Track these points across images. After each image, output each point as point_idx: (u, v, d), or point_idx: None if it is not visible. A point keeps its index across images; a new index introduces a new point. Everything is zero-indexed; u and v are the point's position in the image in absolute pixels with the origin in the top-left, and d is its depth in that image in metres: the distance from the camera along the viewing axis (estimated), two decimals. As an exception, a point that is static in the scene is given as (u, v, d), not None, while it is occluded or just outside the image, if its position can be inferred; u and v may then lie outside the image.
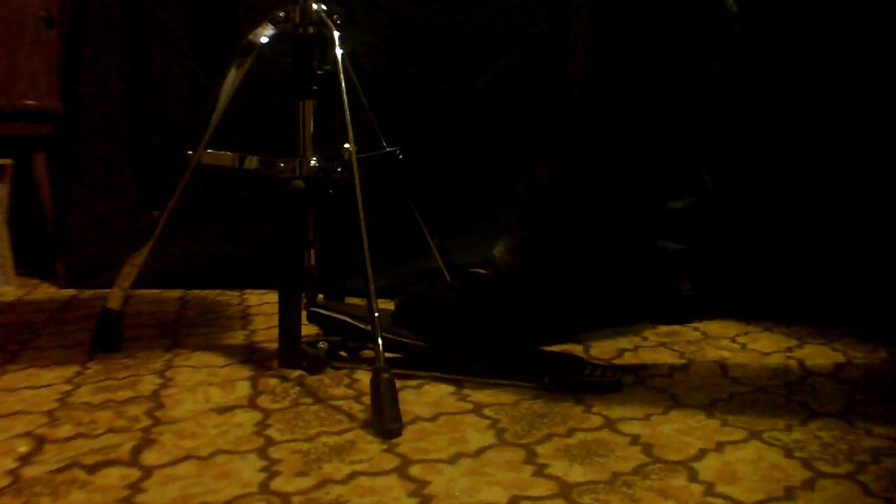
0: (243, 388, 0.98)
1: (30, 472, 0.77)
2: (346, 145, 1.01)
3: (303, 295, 1.08)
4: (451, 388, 0.98)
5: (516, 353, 1.04)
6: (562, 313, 1.02)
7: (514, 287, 1.03)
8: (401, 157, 1.17)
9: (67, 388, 0.99)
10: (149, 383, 1.00)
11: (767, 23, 1.27)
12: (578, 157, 0.98)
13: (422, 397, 0.96)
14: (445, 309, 1.06)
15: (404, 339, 1.04)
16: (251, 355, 1.11)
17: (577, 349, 1.12)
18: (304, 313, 1.07)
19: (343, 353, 1.08)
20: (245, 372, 1.04)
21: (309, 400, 0.95)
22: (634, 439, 0.84)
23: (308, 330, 1.09)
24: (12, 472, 0.77)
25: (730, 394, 0.96)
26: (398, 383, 0.90)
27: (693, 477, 0.75)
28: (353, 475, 0.76)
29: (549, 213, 1.01)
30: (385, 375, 0.88)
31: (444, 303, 1.07)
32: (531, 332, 1.06)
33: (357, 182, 0.98)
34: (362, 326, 1.06)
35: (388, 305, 1.14)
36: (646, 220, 1.01)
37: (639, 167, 0.97)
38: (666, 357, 1.11)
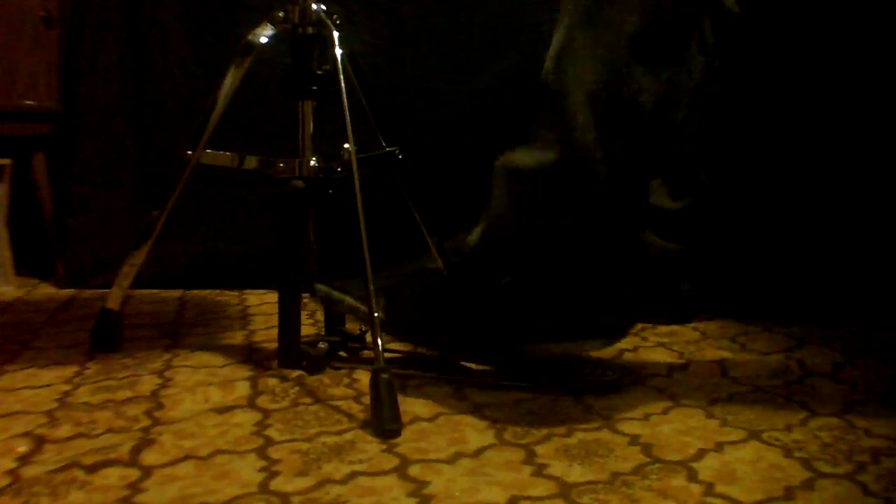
0: (243, 388, 0.98)
1: (29, 472, 0.77)
2: (346, 145, 1.01)
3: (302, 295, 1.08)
4: (450, 389, 0.98)
5: (515, 353, 1.04)
6: (521, 313, 0.94)
7: (472, 281, 0.97)
8: (400, 157, 1.17)
9: (67, 388, 0.99)
10: (148, 383, 1.00)
11: (767, 23, 1.27)
12: (565, 136, 0.89)
13: (421, 397, 0.96)
14: (422, 315, 1.02)
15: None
16: (251, 355, 1.11)
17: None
18: (303, 314, 1.07)
19: (343, 353, 1.08)
20: (245, 372, 1.04)
21: (308, 400, 0.95)
22: (634, 439, 0.83)
23: (308, 330, 1.09)
24: (12, 472, 0.77)
25: (729, 394, 0.96)
26: (398, 383, 0.90)
27: (692, 477, 0.75)
28: (352, 475, 0.76)
29: (527, 200, 0.94)
30: (384, 376, 0.88)
31: (419, 308, 1.03)
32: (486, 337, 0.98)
33: (357, 182, 0.98)
34: (364, 308, 1.03)
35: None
36: (630, 211, 0.93)
37: (628, 158, 0.90)
38: (665, 357, 1.11)
